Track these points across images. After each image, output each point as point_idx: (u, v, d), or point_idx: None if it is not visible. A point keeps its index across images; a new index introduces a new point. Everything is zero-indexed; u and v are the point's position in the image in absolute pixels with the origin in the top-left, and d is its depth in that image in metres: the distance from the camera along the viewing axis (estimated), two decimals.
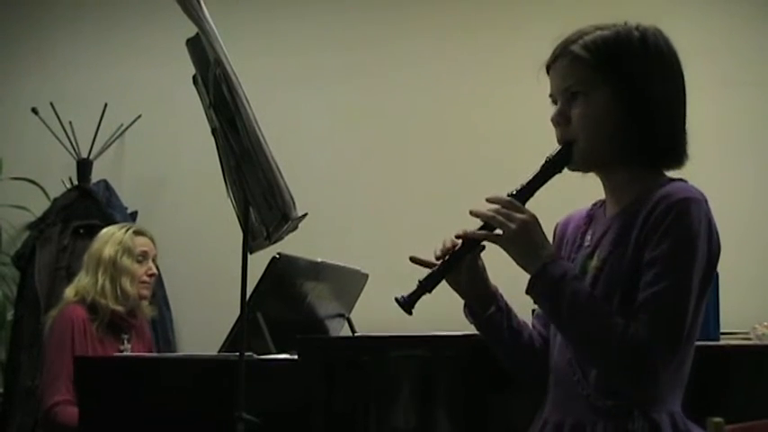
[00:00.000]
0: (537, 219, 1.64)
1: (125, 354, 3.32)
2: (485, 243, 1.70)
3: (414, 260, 1.74)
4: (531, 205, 1.69)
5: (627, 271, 1.59)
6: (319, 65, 4.49)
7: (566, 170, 1.73)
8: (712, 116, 3.89)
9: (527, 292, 1.64)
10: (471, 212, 1.66)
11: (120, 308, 3.33)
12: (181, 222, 4.46)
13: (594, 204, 1.79)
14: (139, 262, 3.39)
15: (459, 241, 1.70)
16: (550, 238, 1.81)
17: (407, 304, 1.68)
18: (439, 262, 1.71)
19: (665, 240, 1.55)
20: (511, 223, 1.62)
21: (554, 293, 1.60)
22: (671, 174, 1.70)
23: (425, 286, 1.69)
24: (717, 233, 1.60)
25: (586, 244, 1.71)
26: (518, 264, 1.64)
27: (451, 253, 1.70)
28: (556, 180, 1.76)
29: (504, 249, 1.63)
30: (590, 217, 1.77)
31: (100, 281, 3.32)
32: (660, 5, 3.70)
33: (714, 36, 4.00)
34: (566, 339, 1.69)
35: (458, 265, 1.71)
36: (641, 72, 1.63)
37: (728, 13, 4.14)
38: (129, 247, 3.38)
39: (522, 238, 1.62)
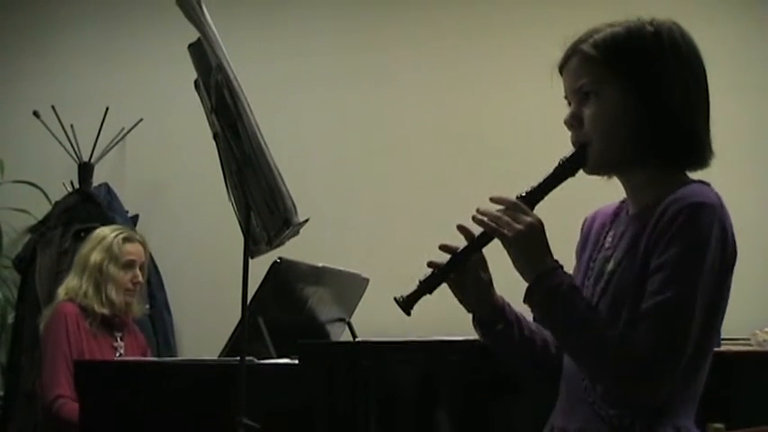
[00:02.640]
0: (543, 225, 1.59)
1: (126, 358, 3.35)
2: (486, 249, 1.67)
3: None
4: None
5: (635, 278, 1.54)
6: (321, 70, 4.49)
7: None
8: (715, 120, 3.88)
9: (524, 301, 1.60)
10: (479, 211, 1.61)
11: (106, 311, 3.37)
12: (182, 226, 4.46)
13: (623, 201, 1.71)
14: (125, 270, 3.41)
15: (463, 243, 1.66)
16: (578, 234, 1.77)
17: (406, 305, 1.65)
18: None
19: (672, 247, 1.48)
20: (517, 224, 1.57)
21: (549, 305, 1.56)
22: (695, 175, 1.63)
23: (426, 287, 1.66)
24: (732, 239, 1.52)
25: (606, 245, 1.66)
26: (516, 267, 1.59)
27: (454, 254, 1.66)
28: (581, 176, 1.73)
29: (507, 248, 1.58)
30: (615, 215, 1.70)
31: (84, 286, 3.37)
32: (663, 11, 3.71)
33: (718, 40, 4.00)
34: (564, 351, 1.66)
35: (460, 267, 1.67)
36: (653, 68, 1.57)
37: (732, 17, 4.14)
38: (116, 254, 3.41)
39: (526, 242, 1.57)
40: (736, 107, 4.03)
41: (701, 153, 1.61)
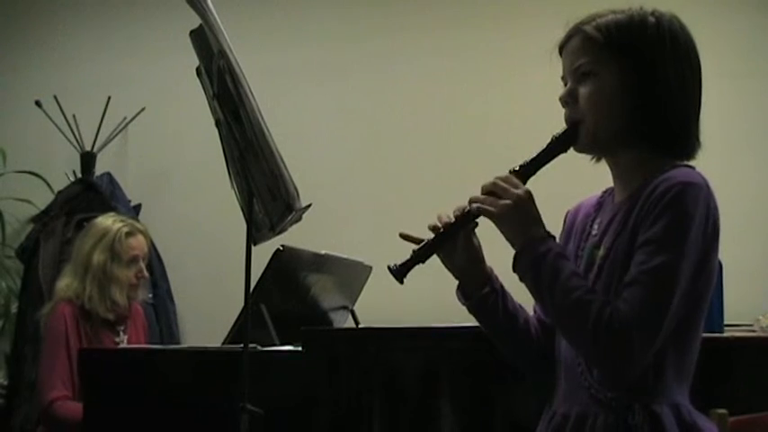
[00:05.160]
0: (532, 195, 1.62)
1: (129, 345, 3.32)
2: (479, 222, 1.70)
3: (403, 236, 1.73)
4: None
5: (626, 257, 1.56)
6: (323, 57, 4.48)
7: (580, 158, 1.71)
8: (715, 108, 3.85)
9: (513, 269, 1.62)
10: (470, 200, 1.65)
11: (110, 315, 3.29)
12: (184, 215, 4.47)
13: (605, 192, 1.76)
14: (129, 267, 3.32)
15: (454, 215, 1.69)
16: (561, 227, 1.80)
17: (399, 273, 1.68)
18: (432, 235, 1.70)
19: (658, 222, 1.52)
20: (505, 198, 1.61)
21: (536, 269, 1.58)
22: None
23: (418, 256, 1.69)
24: (715, 219, 1.56)
25: (594, 233, 1.68)
26: (507, 239, 1.62)
27: (446, 225, 1.69)
28: (568, 167, 1.75)
29: (495, 223, 1.62)
30: (599, 204, 1.74)
31: (88, 288, 3.25)
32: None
33: (718, 28, 3.99)
34: (549, 318, 1.69)
35: (452, 237, 1.70)
36: (653, 56, 1.61)
37: (732, 5, 4.13)
38: (119, 252, 3.29)
39: (515, 213, 1.60)
40: (742, 97, 4.03)
41: (689, 142, 1.65)
